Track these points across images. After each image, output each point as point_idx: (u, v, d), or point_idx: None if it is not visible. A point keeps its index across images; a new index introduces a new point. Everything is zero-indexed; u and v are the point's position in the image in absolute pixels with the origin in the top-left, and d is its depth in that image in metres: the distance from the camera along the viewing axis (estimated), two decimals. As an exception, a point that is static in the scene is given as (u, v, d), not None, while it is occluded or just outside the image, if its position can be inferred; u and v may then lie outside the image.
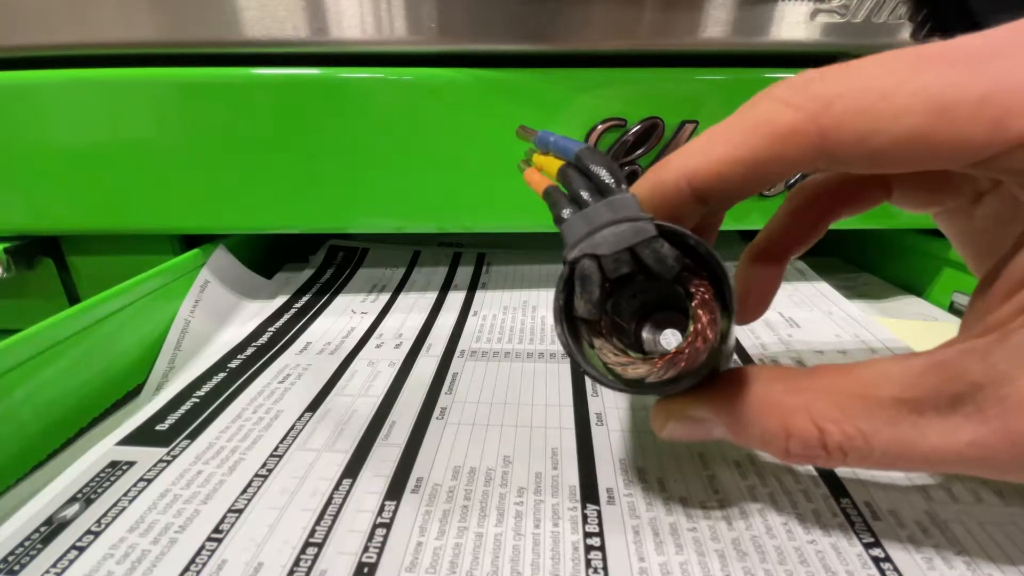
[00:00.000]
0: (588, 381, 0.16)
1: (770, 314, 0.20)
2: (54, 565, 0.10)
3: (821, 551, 0.10)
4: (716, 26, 0.17)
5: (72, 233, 0.21)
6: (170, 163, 0.19)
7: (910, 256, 0.24)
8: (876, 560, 0.09)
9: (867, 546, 0.10)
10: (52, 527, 0.11)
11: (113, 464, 0.12)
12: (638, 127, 0.18)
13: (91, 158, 0.19)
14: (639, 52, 0.18)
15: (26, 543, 0.10)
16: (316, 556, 0.10)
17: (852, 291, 0.23)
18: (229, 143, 0.18)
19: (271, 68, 0.18)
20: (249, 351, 0.18)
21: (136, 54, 0.18)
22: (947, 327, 0.19)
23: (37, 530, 0.11)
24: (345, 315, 0.20)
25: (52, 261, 0.21)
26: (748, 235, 0.24)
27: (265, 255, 0.25)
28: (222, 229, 0.20)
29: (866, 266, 0.27)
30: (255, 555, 0.10)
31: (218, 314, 0.20)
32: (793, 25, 0.17)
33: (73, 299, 0.22)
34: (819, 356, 0.17)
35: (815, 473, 0.12)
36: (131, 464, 0.12)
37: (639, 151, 0.19)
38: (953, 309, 0.21)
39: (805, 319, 0.19)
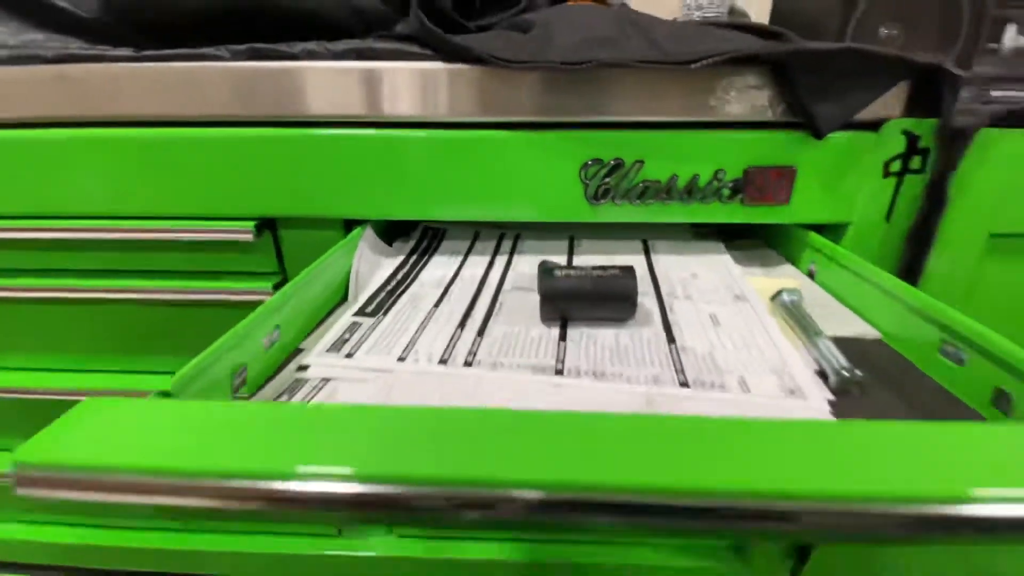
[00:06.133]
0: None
1: (682, 271, 0.33)
2: (348, 355, 0.25)
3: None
4: (653, 102, 0.31)
5: (282, 216, 0.36)
6: (340, 181, 0.34)
7: (792, 241, 0.37)
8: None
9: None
10: (337, 349, 0.26)
11: (353, 324, 0.28)
12: (611, 163, 0.32)
13: (293, 180, 0.34)
14: (604, 121, 0.31)
15: (330, 351, 0.25)
16: (450, 353, 0.25)
17: (756, 259, 0.37)
18: (373, 172, 0.33)
19: (388, 130, 0.32)
20: (394, 284, 0.33)
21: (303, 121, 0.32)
22: (789, 282, 0.32)
23: (331, 347, 0.26)
24: (439, 269, 0.35)
25: (271, 232, 0.37)
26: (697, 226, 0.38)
27: (387, 232, 0.40)
28: (366, 216, 0.35)
29: (773, 246, 0.40)
30: (428, 350, 0.25)
31: (370, 264, 0.35)
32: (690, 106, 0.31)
33: (280, 256, 0.38)
34: (700, 293, 0.30)
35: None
36: (359, 324, 0.28)
37: (608, 177, 0.32)
38: (809, 273, 0.34)
39: (703, 273, 0.33)
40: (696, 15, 0.58)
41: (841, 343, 0.25)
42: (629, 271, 0.27)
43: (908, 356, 0.24)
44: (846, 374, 0.22)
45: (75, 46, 0.32)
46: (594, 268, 0.27)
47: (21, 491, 0.14)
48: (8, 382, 0.43)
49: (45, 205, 0.35)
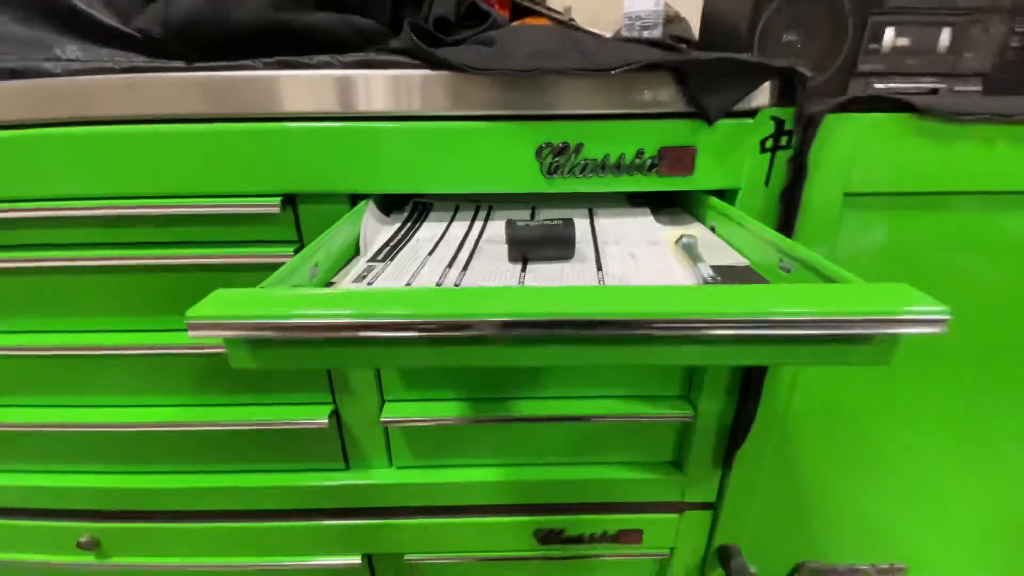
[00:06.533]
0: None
1: (615, 227, 0.44)
2: (369, 283, 0.35)
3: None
4: (588, 99, 0.41)
5: (301, 192, 0.45)
6: (347, 164, 0.43)
7: (699, 204, 0.48)
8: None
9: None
10: (360, 280, 0.35)
11: (368, 267, 0.37)
12: (559, 145, 0.42)
13: (310, 163, 0.43)
14: (552, 113, 0.42)
15: (355, 282, 0.35)
16: (443, 281, 0.34)
17: (675, 220, 0.47)
18: (372, 156, 0.43)
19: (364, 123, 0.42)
20: (396, 239, 0.42)
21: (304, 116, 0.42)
22: (692, 231, 0.43)
23: (355, 279, 0.35)
24: (429, 231, 0.45)
25: (292, 207, 0.46)
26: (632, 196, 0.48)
27: (385, 204, 0.49)
28: (368, 191, 0.45)
29: (688, 210, 0.51)
30: (427, 279, 0.35)
31: (374, 229, 0.44)
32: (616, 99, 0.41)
33: (298, 227, 0.47)
34: (626, 241, 0.41)
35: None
36: (373, 267, 0.37)
37: (558, 157, 0.43)
38: (711, 228, 0.45)
39: (631, 228, 0.43)
40: (637, 25, 0.69)
41: (718, 268, 0.35)
42: (569, 222, 0.37)
43: (761, 272, 0.35)
44: (710, 280, 0.32)
45: (138, 60, 0.41)
46: (544, 220, 0.37)
47: (192, 333, 0.23)
48: (63, 341, 0.51)
49: (115, 187, 0.43)
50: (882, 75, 0.54)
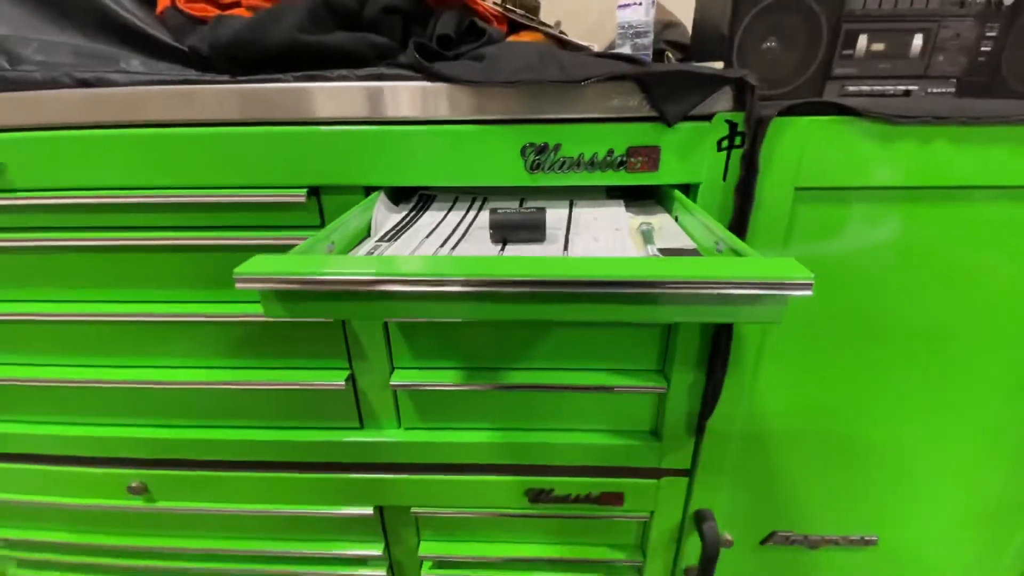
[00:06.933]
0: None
1: (588, 216, 0.50)
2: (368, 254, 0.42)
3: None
4: (565, 106, 0.48)
5: (323, 184, 0.53)
6: (362, 161, 0.51)
7: (667, 198, 0.54)
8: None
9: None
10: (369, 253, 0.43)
11: (376, 246, 0.45)
12: (540, 145, 0.49)
13: (331, 161, 0.51)
14: (534, 117, 0.48)
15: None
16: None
17: (646, 211, 0.53)
18: (382, 155, 0.50)
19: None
20: (401, 224, 0.50)
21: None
22: (654, 220, 0.49)
23: (365, 254, 0.43)
24: (430, 217, 0.52)
25: (316, 197, 0.54)
26: (610, 190, 0.55)
27: (395, 195, 0.57)
28: (380, 184, 0.52)
29: (660, 203, 0.57)
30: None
31: (384, 216, 0.52)
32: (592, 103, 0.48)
33: (321, 213, 0.55)
34: (595, 227, 0.47)
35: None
36: (379, 246, 0.45)
37: (539, 155, 0.49)
38: (675, 218, 0.51)
39: (602, 217, 0.50)
40: (631, 33, 0.75)
41: (666, 249, 0.42)
42: (542, 211, 0.44)
43: (703, 253, 0.41)
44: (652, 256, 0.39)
45: (190, 74, 0.50)
46: (520, 208, 0.44)
47: (239, 285, 0.31)
48: (118, 309, 0.60)
49: (168, 179, 0.52)
50: (856, 79, 0.59)
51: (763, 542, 0.73)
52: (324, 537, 0.75)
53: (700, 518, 0.69)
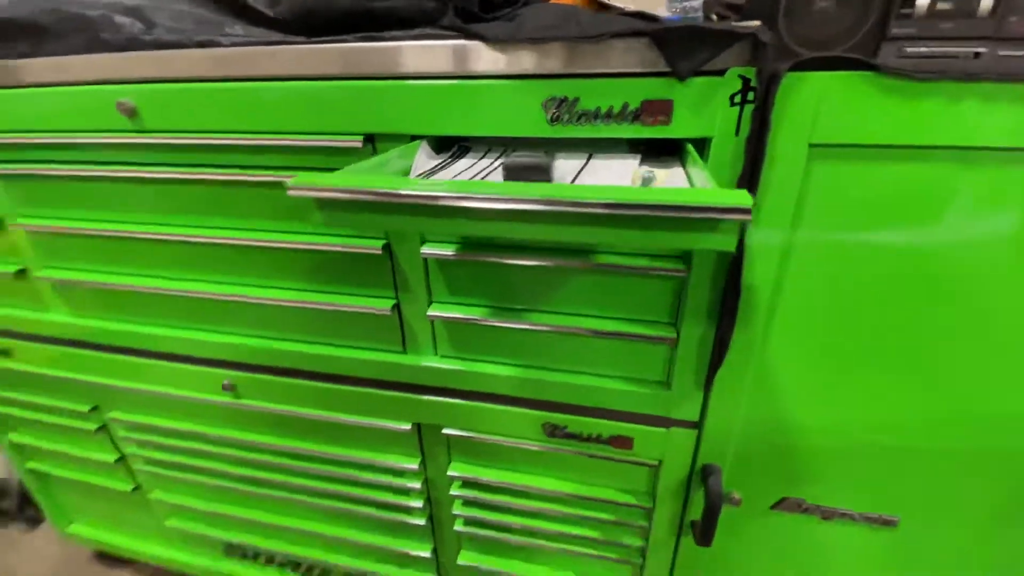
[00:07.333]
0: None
1: (601, 167, 0.55)
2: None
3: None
4: (583, 61, 0.52)
5: (376, 132, 0.62)
6: (408, 112, 0.59)
7: (682, 151, 0.56)
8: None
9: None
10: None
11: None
12: (560, 99, 0.54)
13: (384, 111, 0.59)
14: (555, 72, 0.53)
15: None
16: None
17: (661, 163, 0.57)
18: (426, 107, 0.58)
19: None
20: (437, 166, 0.58)
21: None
22: (659, 172, 0.53)
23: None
24: (463, 162, 0.59)
25: (371, 143, 0.63)
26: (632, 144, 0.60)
27: (437, 144, 0.65)
28: (422, 133, 0.60)
29: (681, 158, 0.59)
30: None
31: (423, 161, 0.60)
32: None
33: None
34: (603, 175, 0.52)
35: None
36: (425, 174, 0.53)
37: (559, 108, 0.54)
38: (686, 171, 0.54)
39: (614, 167, 0.54)
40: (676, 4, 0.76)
41: (659, 192, 0.46)
42: (548, 155, 0.49)
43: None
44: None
45: (274, 37, 0.60)
46: (529, 153, 0.50)
47: (291, 192, 0.40)
48: (210, 234, 0.74)
49: (257, 124, 0.64)
50: (916, 39, 0.57)
51: (774, 507, 0.75)
52: (372, 446, 0.87)
53: (707, 472, 0.72)
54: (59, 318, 0.90)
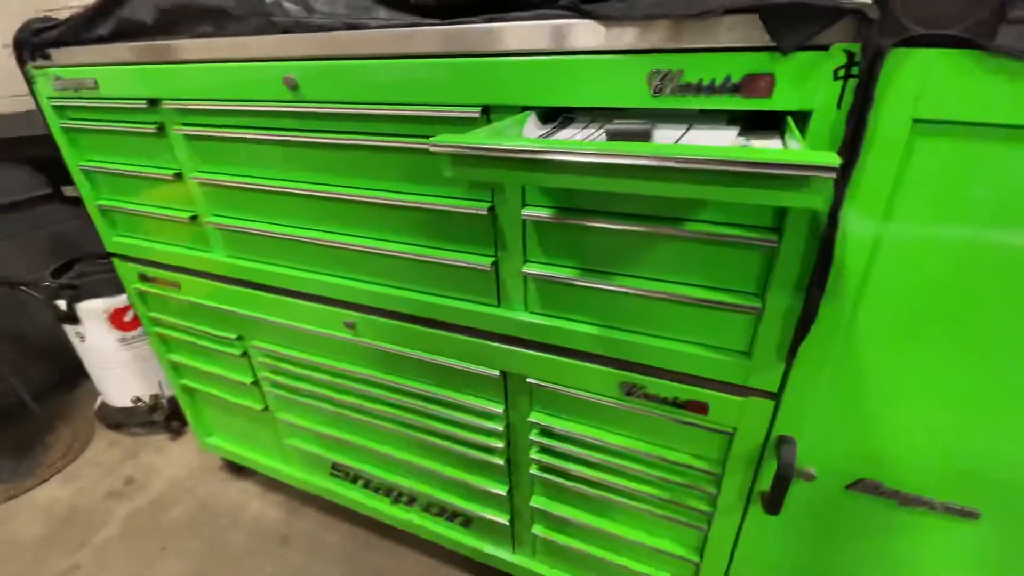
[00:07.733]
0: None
1: (699, 135, 0.59)
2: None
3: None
4: (687, 35, 0.56)
5: (491, 104, 0.70)
6: (519, 85, 0.66)
7: (782, 124, 0.59)
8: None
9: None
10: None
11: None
12: (664, 72, 0.59)
13: (498, 86, 0.67)
14: (660, 47, 0.58)
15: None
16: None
17: (760, 135, 0.60)
18: (535, 81, 0.65)
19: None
20: (544, 136, 0.65)
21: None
22: (763, 144, 0.55)
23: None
24: (568, 131, 0.66)
25: (486, 114, 0.71)
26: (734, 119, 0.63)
27: (544, 116, 0.72)
28: (531, 104, 0.67)
29: (781, 131, 0.61)
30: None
31: (531, 131, 0.67)
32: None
33: (488, 127, 0.72)
34: (699, 141, 0.56)
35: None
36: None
37: (662, 81, 0.59)
38: (784, 143, 0.56)
39: (712, 137, 0.58)
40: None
41: (752, 159, 0.49)
42: (648, 122, 0.54)
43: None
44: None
45: (410, 20, 0.70)
46: (631, 121, 0.55)
47: (433, 149, 0.49)
48: (340, 191, 0.86)
49: (397, 97, 0.74)
50: None
51: (849, 487, 0.75)
52: (463, 389, 0.97)
53: (781, 441, 0.74)
54: (219, 257, 1.09)
